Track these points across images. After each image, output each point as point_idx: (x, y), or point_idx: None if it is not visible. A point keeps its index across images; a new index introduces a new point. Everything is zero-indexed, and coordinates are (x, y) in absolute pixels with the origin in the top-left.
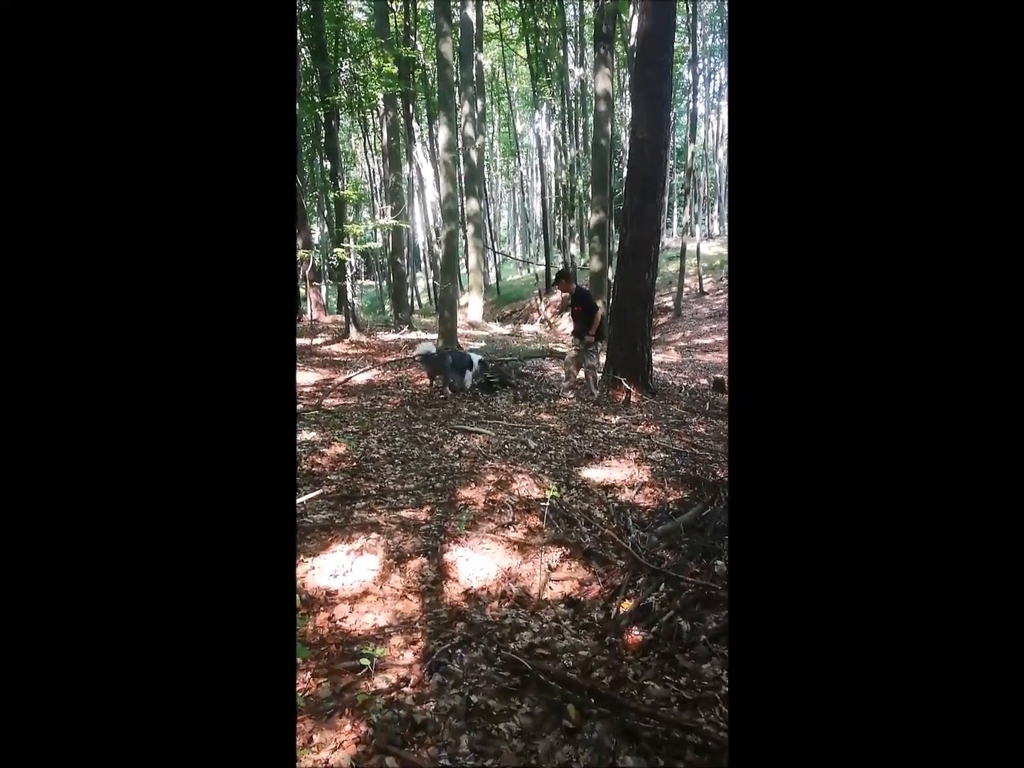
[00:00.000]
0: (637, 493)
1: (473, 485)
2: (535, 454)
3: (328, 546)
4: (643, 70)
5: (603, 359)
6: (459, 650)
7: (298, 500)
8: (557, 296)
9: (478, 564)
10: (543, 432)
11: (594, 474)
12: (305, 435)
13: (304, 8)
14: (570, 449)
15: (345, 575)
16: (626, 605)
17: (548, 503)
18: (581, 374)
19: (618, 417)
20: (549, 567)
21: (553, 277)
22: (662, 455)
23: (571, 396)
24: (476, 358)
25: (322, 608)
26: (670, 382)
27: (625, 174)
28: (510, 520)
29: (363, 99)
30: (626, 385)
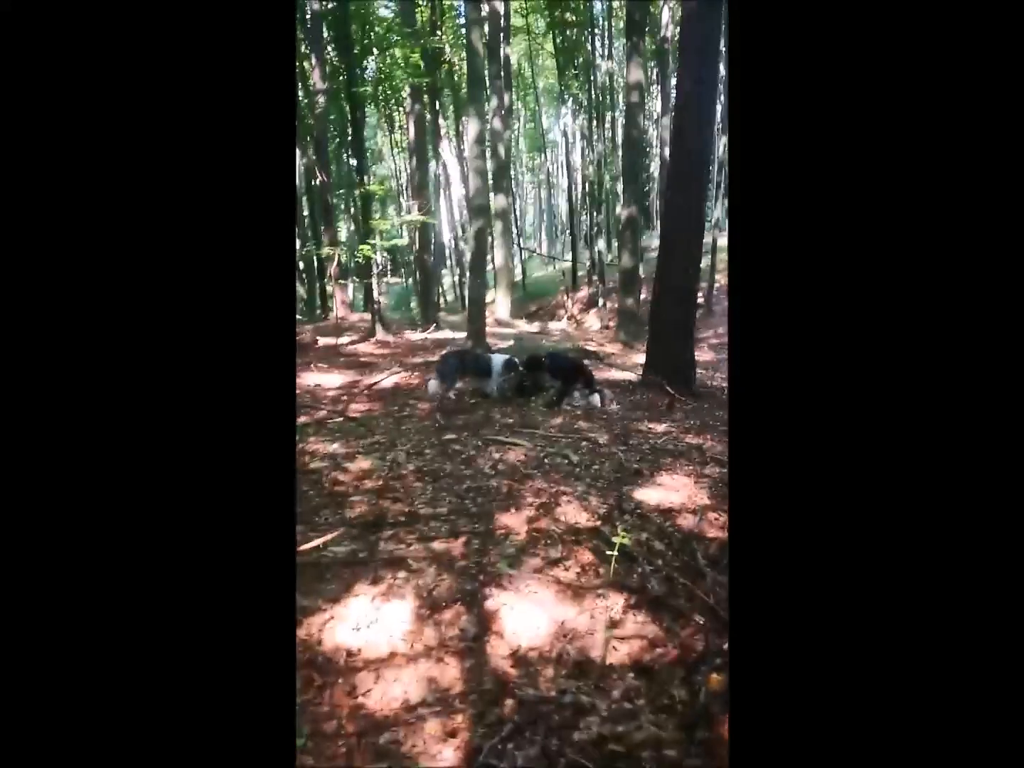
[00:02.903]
0: (700, 520)
1: (513, 509)
2: (578, 470)
3: (350, 588)
4: (687, 55)
5: (640, 358)
6: (510, 744)
7: (316, 542)
8: (584, 292)
9: (526, 615)
10: (584, 443)
11: (647, 495)
12: (328, 447)
13: (330, 5)
14: (615, 463)
15: (369, 627)
16: (715, 680)
17: (616, 550)
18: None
19: (663, 424)
20: (611, 621)
21: (525, 364)
22: (718, 470)
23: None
24: (501, 359)
25: (341, 677)
26: (709, 383)
27: (667, 161)
28: (559, 555)
29: (389, 91)
30: (668, 388)
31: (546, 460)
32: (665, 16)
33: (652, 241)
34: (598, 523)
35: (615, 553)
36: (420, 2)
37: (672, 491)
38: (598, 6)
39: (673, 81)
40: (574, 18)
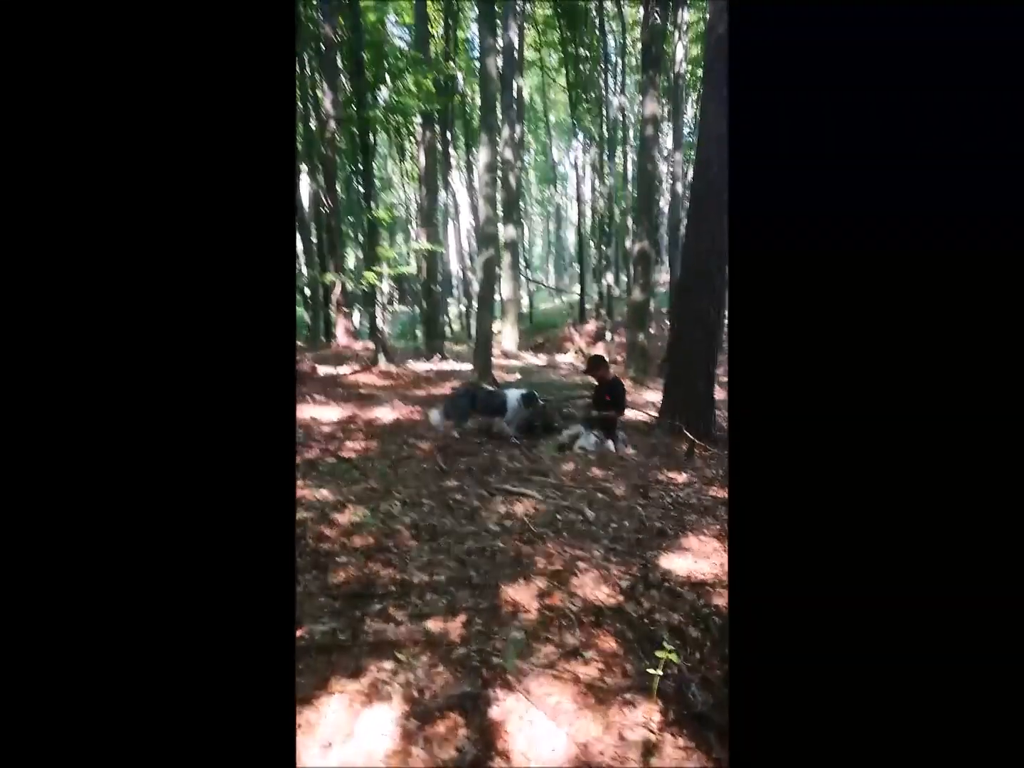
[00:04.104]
0: None
1: (521, 580)
2: (595, 528)
3: (326, 684)
4: (715, 72)
5: (651, 396)
6: None
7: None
8: (591, 326)
9: (539, 728)
10: (599, 495)
11: (674, 563)
12: (316, 493)
13: (347, 37)
14: (636, 520)
15: (344, 744)
16: None
17: (661, 670)
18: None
19: (684, 475)
20: (646, 747)
21: (590, 361)
22: None
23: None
24: (516, 394)
25: None
26: (724, 424)
27: (678, 196)
28: (576, 642)
29: (400, 119)
30: (687, 433)
31: (558, 516)
32: (679, 54)
33: (660, 276)
34: (620, 599)
35: (659, 672)
36: (434, 33)
37: (702, 557)
38: (611, 43)
39: (685, 118)
40: (588, 54)
